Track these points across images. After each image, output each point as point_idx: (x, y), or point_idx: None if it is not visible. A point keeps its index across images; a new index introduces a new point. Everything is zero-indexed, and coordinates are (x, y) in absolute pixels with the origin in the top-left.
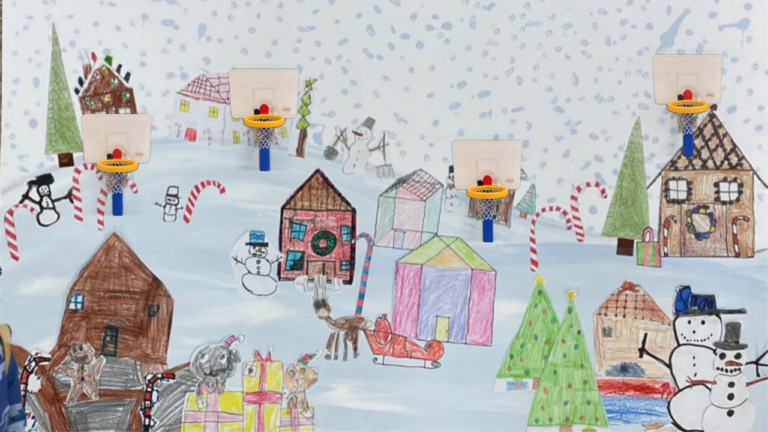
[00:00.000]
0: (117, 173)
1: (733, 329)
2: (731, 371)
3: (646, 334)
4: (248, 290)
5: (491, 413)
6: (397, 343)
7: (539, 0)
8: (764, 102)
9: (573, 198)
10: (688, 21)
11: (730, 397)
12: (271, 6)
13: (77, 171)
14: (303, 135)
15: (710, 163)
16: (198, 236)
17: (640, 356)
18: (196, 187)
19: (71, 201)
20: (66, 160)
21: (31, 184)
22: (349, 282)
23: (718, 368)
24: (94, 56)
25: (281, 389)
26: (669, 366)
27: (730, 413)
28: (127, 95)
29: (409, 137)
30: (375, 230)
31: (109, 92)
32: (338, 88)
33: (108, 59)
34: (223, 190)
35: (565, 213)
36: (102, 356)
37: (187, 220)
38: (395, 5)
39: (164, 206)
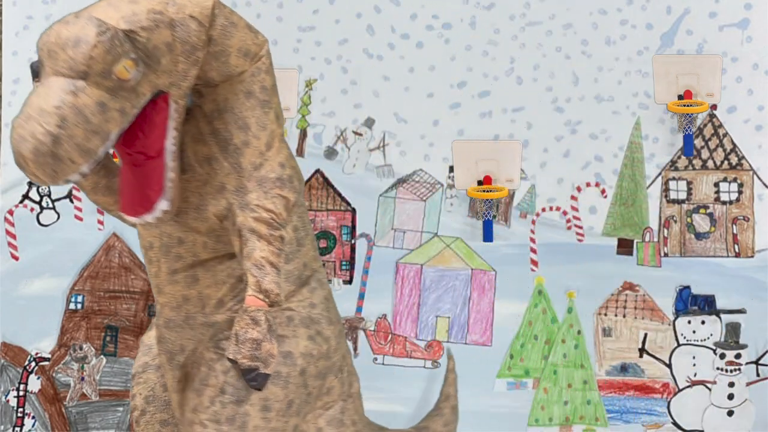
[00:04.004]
0: None
1: (733, 329)
2: (731, 371)
3: (646, 334)
4: None
5: (491, 413)
6: (397, 343)
7: (539, 0)
8: (764, 102)
9: (573, 198)
10: (688, 21)
11: (730, 397)
12: (271, 6)
13: None
14: (303, 135)
15: (710, 163)
16: None
17: (640, 356)
18: None
19: (71, 201)
20: None
21: (31, 184)
22: (349, 282)
23: (718, 368)
24: None
25: None
26: (669, 366)
27: (730, 413)
28: None
29: (409, 137)
30: (375, 230)
31: None
32: (338, 88)
33: None
34: None
35: (565, 213)
36: (102, 356)
37: None
38: (395, 5)
39: None
